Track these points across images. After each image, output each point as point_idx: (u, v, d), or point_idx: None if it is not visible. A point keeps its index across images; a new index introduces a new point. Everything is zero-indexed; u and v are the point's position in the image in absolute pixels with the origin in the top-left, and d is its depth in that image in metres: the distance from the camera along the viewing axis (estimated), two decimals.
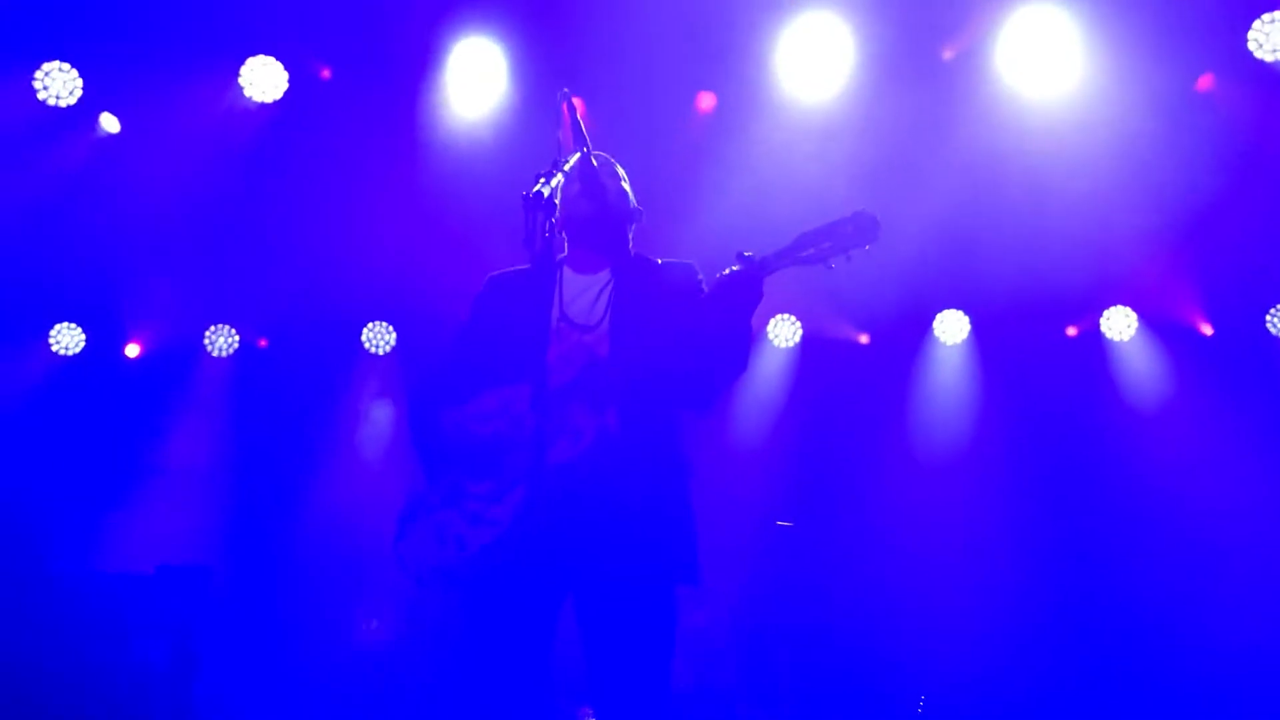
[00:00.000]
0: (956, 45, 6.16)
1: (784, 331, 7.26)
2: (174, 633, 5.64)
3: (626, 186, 3.51)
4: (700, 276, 3.42)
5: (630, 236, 3.50)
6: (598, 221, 3.44)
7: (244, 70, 6.51)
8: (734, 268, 3.14)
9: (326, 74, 6.58)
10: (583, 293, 3.41)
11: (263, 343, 7.38)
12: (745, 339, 3.23)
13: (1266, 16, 5.85)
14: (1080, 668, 6.53)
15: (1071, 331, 6.97)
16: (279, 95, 6.54)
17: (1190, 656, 6.35)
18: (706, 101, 6.52)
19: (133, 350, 7.31)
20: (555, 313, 3.39)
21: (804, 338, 7.23)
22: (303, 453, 7.13)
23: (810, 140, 6.32)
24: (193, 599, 5.68)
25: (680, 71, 6.28)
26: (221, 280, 7.11)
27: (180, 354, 7.32)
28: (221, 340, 7.34)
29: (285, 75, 6.53)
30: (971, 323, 7.05)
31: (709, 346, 3.19)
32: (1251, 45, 5.89)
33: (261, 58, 6.52)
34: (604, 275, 3.43)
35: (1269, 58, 5.88)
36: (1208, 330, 6.79)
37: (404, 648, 6.49)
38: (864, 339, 7.22)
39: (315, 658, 6.75)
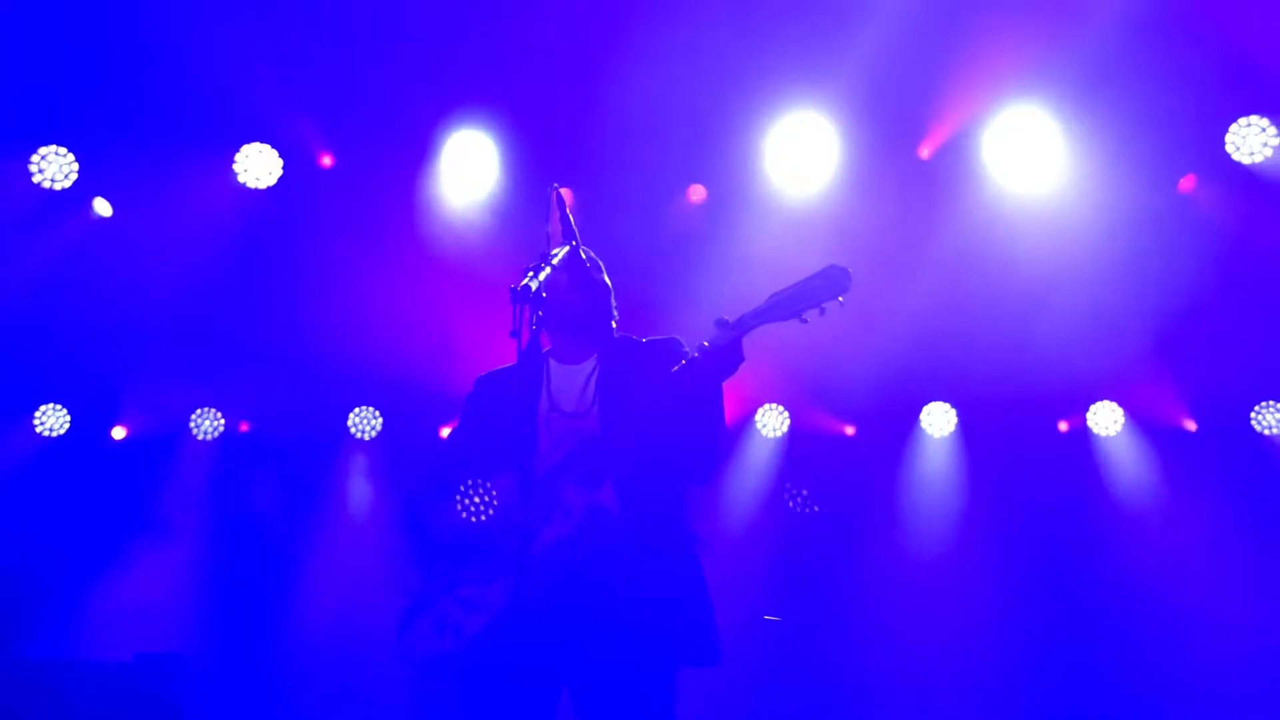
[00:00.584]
0: (933, 143, 6.28)
1: (772, 421, 7.28)
2: None
3: (607, 279, 3.59)
4: (686, 349, 3.46)
5: (610, 319, 3.57)
6: (584, 313, 3.51)
7: (239, 156, 6.59)
8: (714, 334, 3.19)
9: (327, 161, 6.66)
10: (570, 382, 3.47)
11: (244, 427, 7.34)
12: (718, 402, 3.28)
13: (1243, 120, 6.00)
14: None
15: (1062, 426, 6.99)
16: (273, 182, 6.61)
17: None
18: (697, 194, 6.61)
19: (119, 433, 7.28)
20: (544, 404, 3.45)
21: (791, 428, 7.24)
22: (286, 537, 7.07)
23: (797, 235, 6.40)
24: (171, 687, 5.58)
25: (669, 166, 6.38)
26: (209, 364, 7.11)
27: (166, 437, 7.29)
28: (207, 424, 7.32)
29: (280, 162, 6.61)
30: (958, 415, 7.07)
31: (698, 414, 3.23)
32: (1229, 148, 6.02)
33: (257, 145, 6.60)
34: (590, 363, 3.49)
35: (1245, 160, 6.01)
36: (1192, 426, 6.82)
37: None
38: (850, 430, 7.23)
39: None
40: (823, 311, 3.17)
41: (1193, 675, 6.43)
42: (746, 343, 3.18)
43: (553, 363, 3.53)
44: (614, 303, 3.57)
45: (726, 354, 3.17)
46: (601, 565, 3.24)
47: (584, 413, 3.41)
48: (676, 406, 3.20)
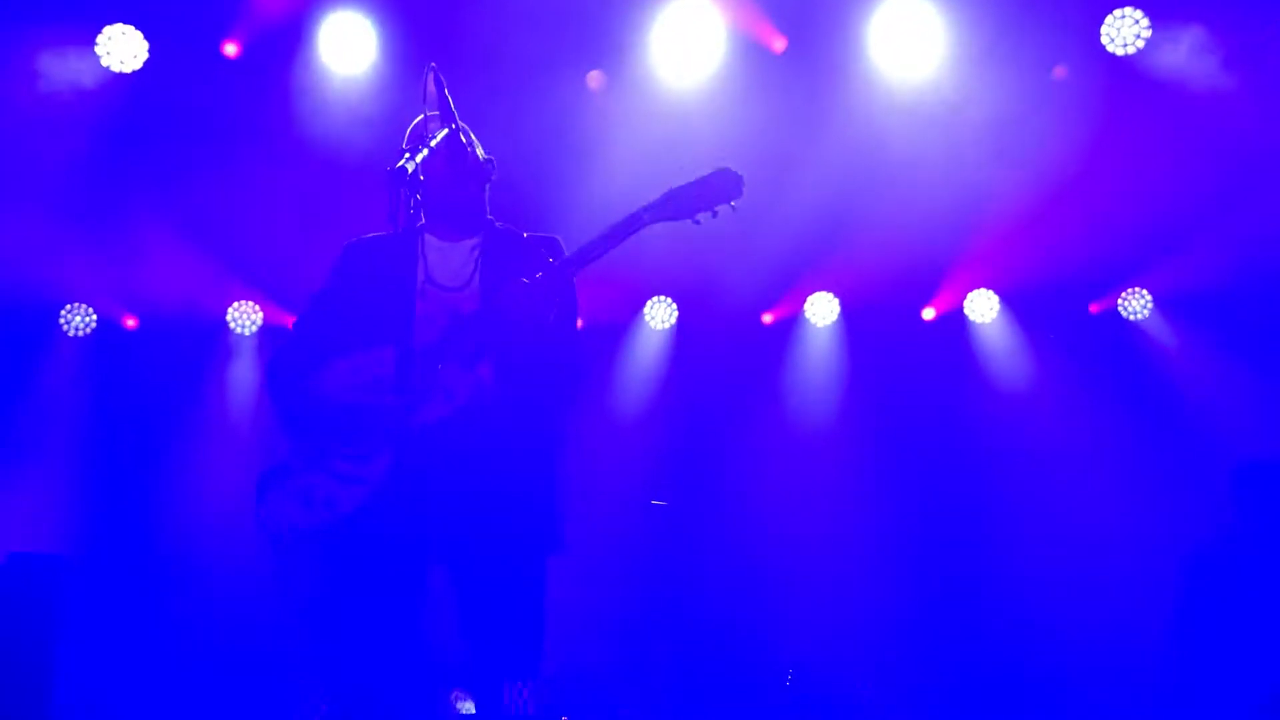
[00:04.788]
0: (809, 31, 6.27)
1: (660, 313, 7.32)
2: (28, 622, 5.46)
3: (482, 153, 3.55)
4: (565, 250, 3.46)
5: (485, 197, 3.55)
6: (462, 195, 3.48)
7: (101, 39, 6.26)
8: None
9: (218, 48, 6.36)
10: (449, 257, 3.44)
11: (130, 321, 7.12)
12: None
13: (1118, 12, 6.10)
14: (932, 654, 6.73)
15: (928, 314, 7.13)
16: (138, 66, 6.31)
17: (1041, 642, 6.58)
18: (595, 80, 6.50)
19: None
20: (420, 275, 3.40)
21: (680, 320, 7.30)
22: (163, 436, 6.93)
23: (680, 124, 6.37)
24: (45, 588, 5.49)
25: (551, 49, 6.25)
26: (80, 258, 6.85)
27: (35, 334, 7.04)
28: (78, 319, 7.09)
29: (145, 45, 6.31)
30: (841, 305, 7.20)
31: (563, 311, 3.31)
32: (1104, 39, 6.13)
33: (120, 26, 6.28)
34: (470, 242, 3.46)
35: (1119, 51, 6.13)
36: (1065, 313, 7.04)
37: (266, 618, 6.38)
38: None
39: (176, 640, 6.60)
40: (715, 214, 3.32)
41: (1062, 567, 6.65)
42: (636, 238, 3.27)
43: (430, 237, 3.48)
44: (487, 164, 3.54)
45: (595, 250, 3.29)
46: (479, 445, 3.24)
47: (462, 288, 3.38)
48: (549, 299, 3.24)
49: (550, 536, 3.33)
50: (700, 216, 3.30)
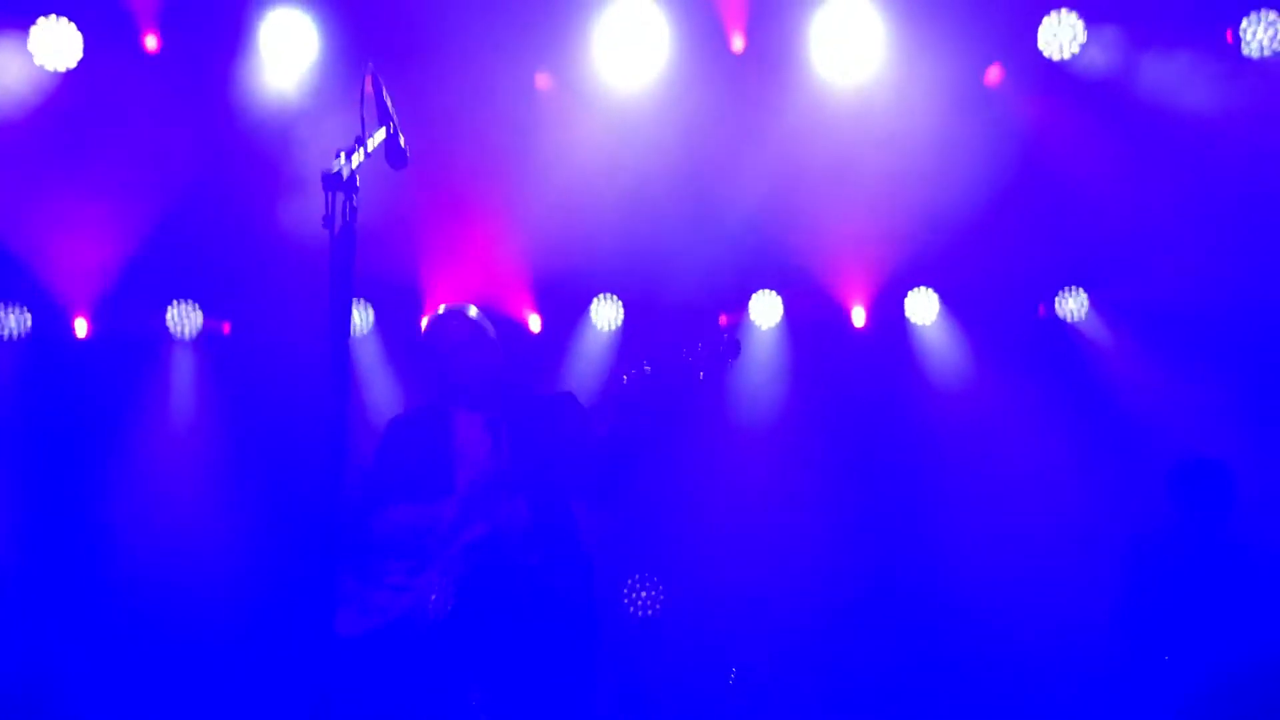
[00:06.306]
0: (751, 33, 6.30)
1: (607, 313, 7.31)
2: None
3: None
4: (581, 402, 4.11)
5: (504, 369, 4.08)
6: (478, 361, 4.03)
7: (34, 31, 6.13)
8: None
9: (141, 41, 6.26)
10: (476, 426, 3.91)
11: (83, 328, 6.97)
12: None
13: (1054, 15, 6.17)
14: (877, 652, 6.80)
15: (859, 320, 7.17)
16: (73, 64, 6.20)
17: (985, 638, 6.66)
18: (542, 82, 6.48)
19: None
20: (455, 458, 3.87)
21: (626, 318, 7.30)
22: (100, 438, 6.83)
23: (626, 127, 6.37)
24: None
25: (495, 48, 6.23)
26: (21, 256, 6.72)
27: None
28: (13, 321, 6.95)
29: (80, 40, 6.19)
30: (784, 305, 7.23)
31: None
32: (1040, 44, 6.20)
33: (53, 18, 6.15)
34: (493, 411, 3.93)
35: (1055, 56, 6.21)
36: (997, 313, 7.13)
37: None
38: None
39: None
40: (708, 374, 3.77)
41: (998, 564, 6.75)
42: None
43: (461, 412, 3.95)
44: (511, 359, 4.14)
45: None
46: (509, 570, 3.67)
47: (490, 454, 3.82)
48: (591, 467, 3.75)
49: (582, 645, 3.73)
50: (702, 372, 3.78)
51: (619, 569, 6.75)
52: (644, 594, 6.11)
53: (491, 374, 4.01)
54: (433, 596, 4.81)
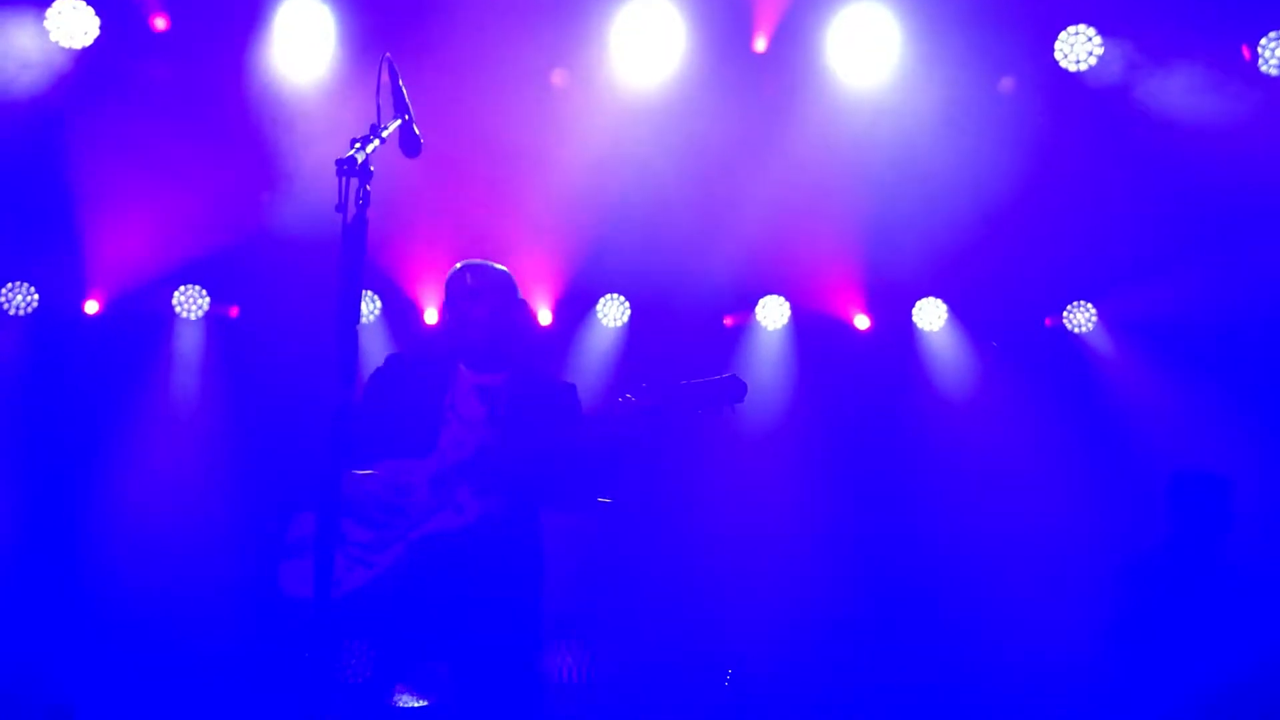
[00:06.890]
0: (767, 34, 6.30)
1: (613, 311, 7.31)
2: None
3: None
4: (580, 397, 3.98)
5: (518, 342, 3.95)
6: (495, 331, 3.87)
7: (50, 12, 6.15)
8: (627, 396, 3.71)
9: (156, 23, 6.27)
10: (475, 390, 3.81)
11: (93, 309, 6.97)
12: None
13: (1071, 29, 6.18)
14: (875, 656, 6.79)
15: (862, 324, 7.16)
16: (89, 42, 6.21)
17: (983, 644, 6.66)
18: (558, 78, 6.49)
19: None
20: (449, 405, 3.78)
21: (632, 317, 7.29)
22: (106, 418, 6.82)
23: (642, 125, 6.37)
24: None
25: (512, 42, 6.24)
26: (22, 235, 6.72)
27: None
28: (19, 299, 6.95)
29: (96, 21, 6.21)
30: (791, 308, 7.23)
31: (586, 466, 3.72)
32: (1057, 55, 6.21)
33: (71, 1, 6.17)
34: (499, 379, 3.84)
35: (1071, 67, 6.22)
36: (1006, 324, 7.12)
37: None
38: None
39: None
40: (714, 415, 3.71)
41: (998, 558, 6.75)
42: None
43: (462, 368, 3.85)
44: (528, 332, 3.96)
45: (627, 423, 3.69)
46: (475, 564, 3.62)
47: (484, 420, 3.74)
48: (577, 455, 3.67)
49: (528, 659, 3.68)
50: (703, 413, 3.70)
51: (614, 573, 6.74)
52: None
53: (504, 332, 3.86)
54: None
